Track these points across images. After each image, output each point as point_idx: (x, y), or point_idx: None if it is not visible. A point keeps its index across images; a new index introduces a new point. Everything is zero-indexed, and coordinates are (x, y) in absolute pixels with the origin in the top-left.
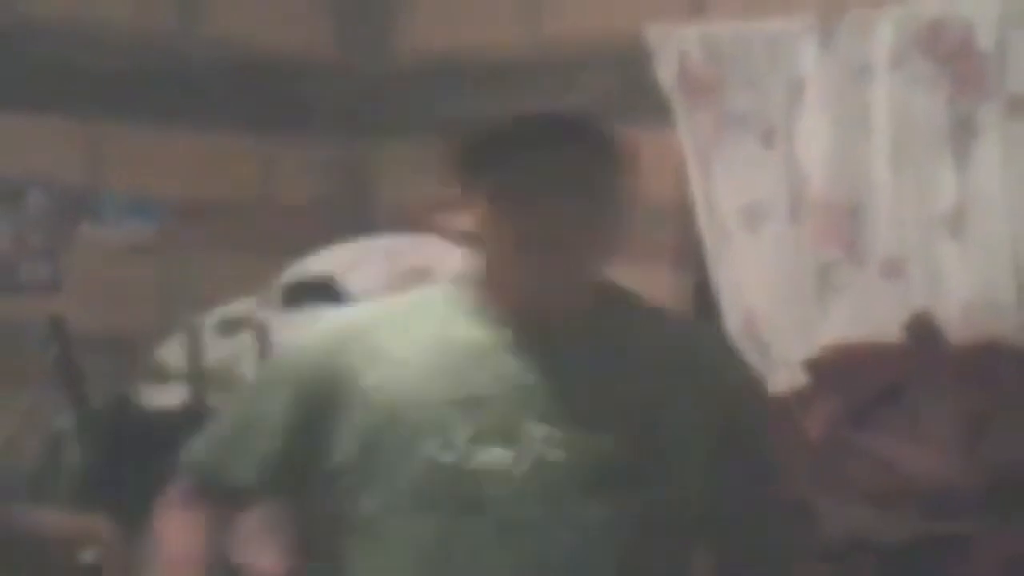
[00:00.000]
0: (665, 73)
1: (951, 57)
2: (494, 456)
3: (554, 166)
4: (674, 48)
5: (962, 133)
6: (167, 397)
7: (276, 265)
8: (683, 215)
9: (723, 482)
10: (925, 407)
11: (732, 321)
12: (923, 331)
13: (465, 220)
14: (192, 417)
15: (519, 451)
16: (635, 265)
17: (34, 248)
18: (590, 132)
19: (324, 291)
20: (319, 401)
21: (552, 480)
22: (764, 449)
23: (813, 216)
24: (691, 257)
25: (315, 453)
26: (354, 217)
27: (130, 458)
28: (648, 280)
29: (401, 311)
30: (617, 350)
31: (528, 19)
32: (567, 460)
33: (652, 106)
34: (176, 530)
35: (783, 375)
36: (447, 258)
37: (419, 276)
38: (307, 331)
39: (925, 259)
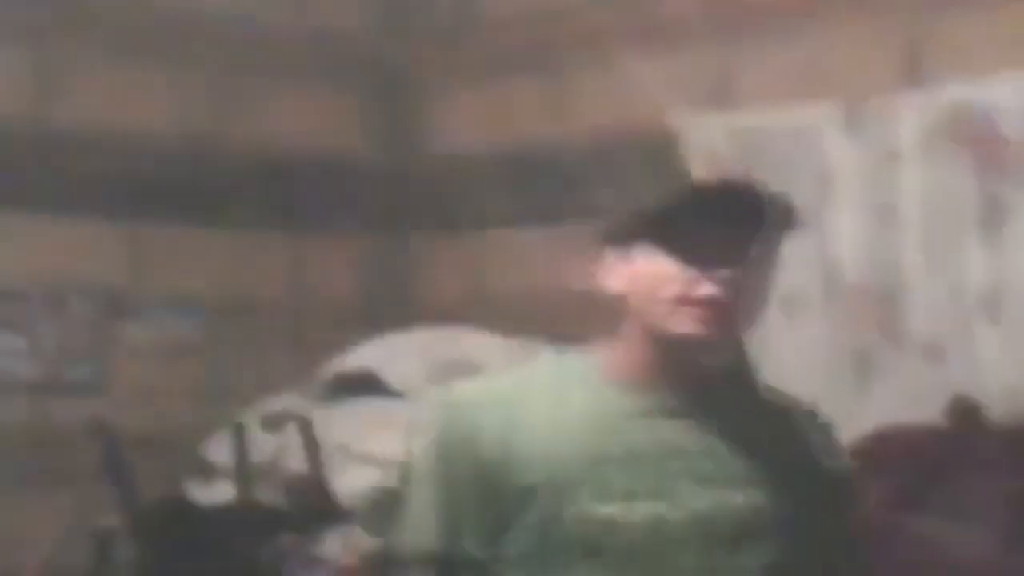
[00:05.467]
0: (693, 162)
1: (977, 141)
2: (649, 509)
3: (730, 236)
4: (701, 138)
5: (993, 215)
6: (214, 494)
7: (314, 360)
8: None
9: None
10: (971, 491)
11: None
12: (965, 414)
13: (619, 282)
14: (241, 514)
15: (673, 506)
16: None
17: (78, 351)
18: (764, 205)
19: (366, 385)
20: (485, 471)
21: (702, 534)
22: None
23: (849, 302)
24: None
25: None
26: (389, 311)
27: (179, 556)
28: None
29: (541, 380)
30: (749, 415)
31: (553, 113)
32: (716, 516)
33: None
34: None
35: None
36: (485, 350)
37: (460, 369)
38: (456, 404)
39: (964, 342)
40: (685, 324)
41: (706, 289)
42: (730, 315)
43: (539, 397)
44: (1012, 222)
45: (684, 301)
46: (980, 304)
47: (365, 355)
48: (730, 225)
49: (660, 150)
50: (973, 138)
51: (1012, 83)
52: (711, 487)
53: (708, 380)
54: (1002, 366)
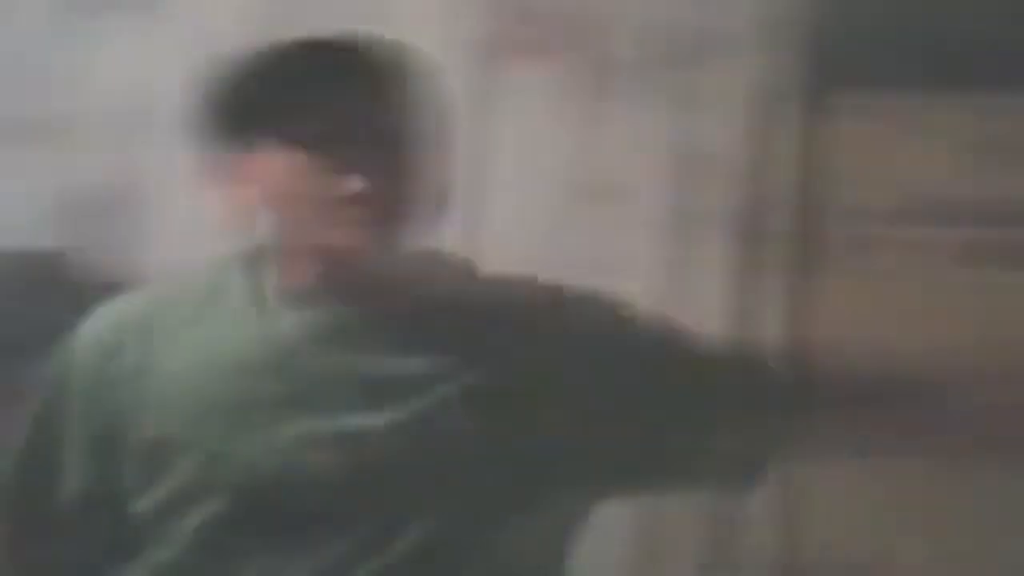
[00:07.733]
0: None
1: None
2: (316, 458)
3: (358, 103)
4: None
5: None
6: None
7: None
8: None
9: None
10: None
11: None
12: None
13: (249, 191)
14: None
15: (347, 451)
16: None
17: None
18: (376, 56)
19: None
20: (106, 412)
21: (377, 480)
22: None
23: None
24: None
25: (112, 472)
26: None
27: None
28: None
29: (190, 297)
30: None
31: None
32: (392, 457)
33: None
34: None
35: None
36: None
37: None
38: (83, 330)
39: None
40: (339, 234)
41: (353, 184)
42: (391, 209)
43: (184, 318)
44: None
45: (329, 203)
46: None
47: None
48: (362, 91)
49: None
50: None
51: None
52: (393, 422)
53: (392, 290)
54: None
